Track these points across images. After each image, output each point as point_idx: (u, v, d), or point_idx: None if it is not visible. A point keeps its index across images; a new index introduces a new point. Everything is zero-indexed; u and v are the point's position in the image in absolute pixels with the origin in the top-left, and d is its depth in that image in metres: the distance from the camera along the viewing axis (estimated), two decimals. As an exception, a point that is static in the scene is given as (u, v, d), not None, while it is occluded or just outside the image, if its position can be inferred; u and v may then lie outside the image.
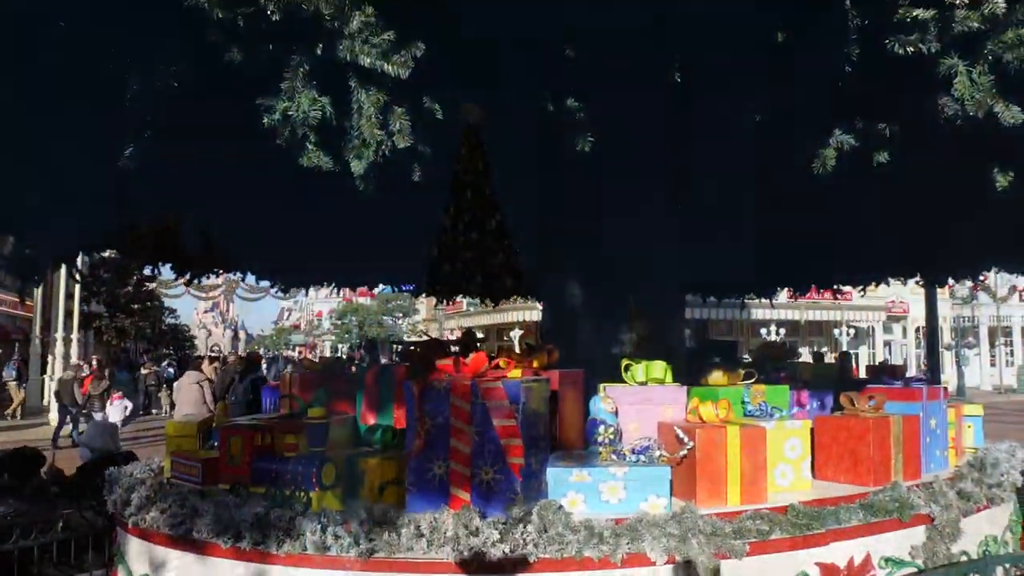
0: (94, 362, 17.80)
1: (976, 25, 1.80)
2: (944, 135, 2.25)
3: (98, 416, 14.03)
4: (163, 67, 1.98)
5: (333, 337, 44.18)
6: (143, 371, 22.29)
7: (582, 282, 3.93)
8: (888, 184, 2.87)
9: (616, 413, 2.82)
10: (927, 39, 1.83)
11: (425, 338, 3.93)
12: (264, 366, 17.01)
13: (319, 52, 1.90)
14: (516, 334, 25.87)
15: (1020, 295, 32.41)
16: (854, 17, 1.85)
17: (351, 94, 1.92)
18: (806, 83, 2.02)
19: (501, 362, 2.59)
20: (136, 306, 31.15)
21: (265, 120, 2.04)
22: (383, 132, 1.85)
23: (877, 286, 7.51)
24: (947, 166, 2.61)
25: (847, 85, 2.02)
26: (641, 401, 2.86)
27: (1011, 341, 34.00)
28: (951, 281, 8.97)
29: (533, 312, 22.01)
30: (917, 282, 8.39)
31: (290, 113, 2.01)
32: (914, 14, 1.82)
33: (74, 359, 19.94)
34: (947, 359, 29.40)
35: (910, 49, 1.84)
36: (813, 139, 2.13)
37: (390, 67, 1.77)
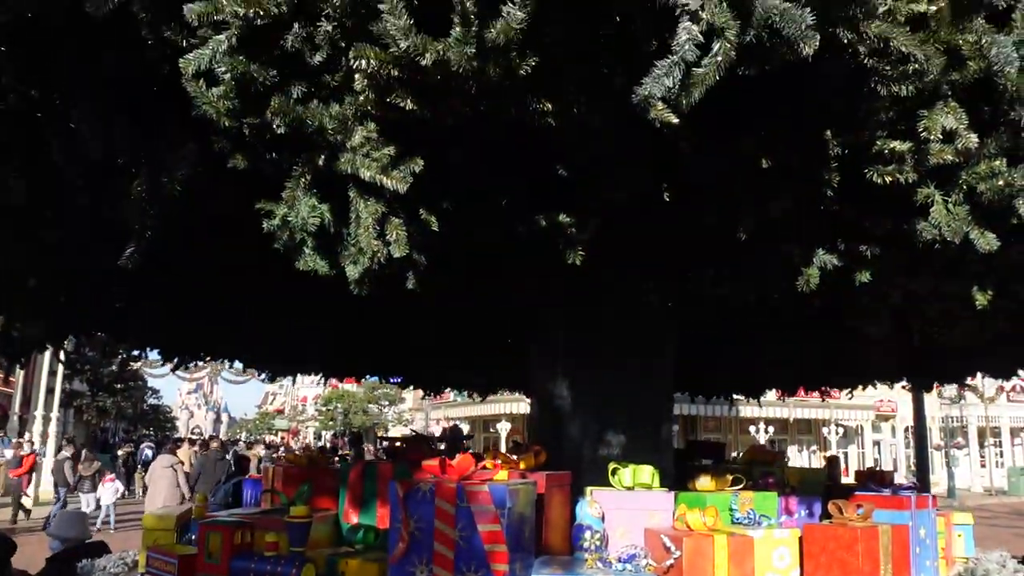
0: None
1: (950, 158, 1.89)
2: (924, 256, 2.33)
3: (90, 497, 13.82)
4: (169, 171, 2.03)
5: (317, 423, 43.61)
6: (119, 452, 21.95)
7: (572, 381, 3.95)
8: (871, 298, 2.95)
9: (602, 518, 2.80)
10: (904, 170, 1.92)
11: (410, 432, 3.91)
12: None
13: (321, 163, 1.97)
14: (503, 426, 25.61)
15: (1007, 395, 32.48)
16: (835, 146, 1.94)
17: (350, 203, 1.98)
18: (789, 205, 2.09)
19: (488, 463, 2.59)
20: (119, 385, 30.80)
21: (264, 225, 2.10)
22: (380, 242, 1.91)
23: (864, 389, 7.57)
24: (928, 284, 2.68)
25: (828, 208, 2.10)
26: (628, 507, 2.85)
27: (1000, 442, 33.88)
28: (937, 384, 9.09)
29: (520, 404, 21.86)
30: (903, 386, 8.49)
31: (289, 219, 2.07)
32: (891, 146, 1.91)
33: (52, 438, 19.64)
34: (937, 460, 29.21)
35: (888, 179, 1.93)
36: (797, 258, 2.21)
37: (389, 181, 1.83)
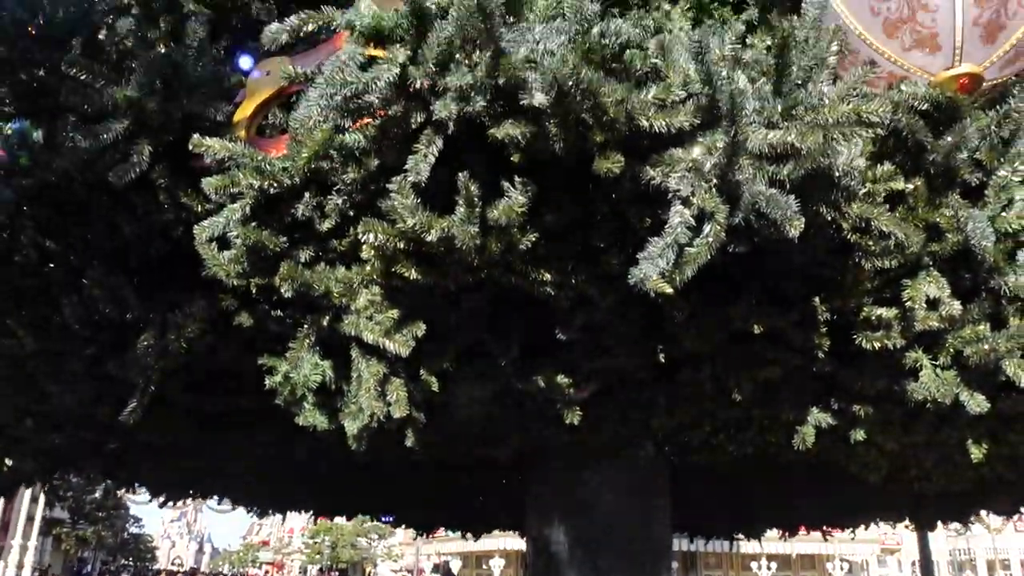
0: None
1: (936, 324, 1.96)
2: (917, 412, 2.37)
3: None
4: (176, 329, 2.09)
5: (303, 556, 42.09)
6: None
7: (567, 526, 3.88)
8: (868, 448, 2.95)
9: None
10: (892, 336, 1.98)
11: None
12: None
13: (325, 323, 2.03)
14: (496, 563, 24.78)
15: (1015, 526, 31.67)
16: (824, 312, 2.01)
17: (352, 362, 2.02)
18: (782, 370, 2.14)
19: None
20: (101, 514, 29.92)
21: (267, 381, 2.14)
22: (381, 403, 1.93)
23: (867, 528, 7.42)
24: (923, 437, 2.70)
25: (821, 370, 2.15)
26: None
27: (1010, 574, 32.75)
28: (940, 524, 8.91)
29: (515, 541, 21.25)
30: (906, 525, 8.33)
31: (291, 376, 2.10)
32: (878, 313, 1.98)
33: (27, 568, 18.95)
34: (946, 596, 28.17)
35: (877, 344, 1.98)
36: (791, 417, 2.25)
37: (392, 344, 1.88)
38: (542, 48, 1.49)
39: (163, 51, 2.42)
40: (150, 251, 2.23)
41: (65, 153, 2.03)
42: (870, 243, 1.81)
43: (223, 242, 1.96)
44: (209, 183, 1.80)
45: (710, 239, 1.54)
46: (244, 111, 2.19)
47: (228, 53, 2.45)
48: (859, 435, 2.35)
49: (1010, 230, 1.91)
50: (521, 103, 1.45)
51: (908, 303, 1.92)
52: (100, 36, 2.36)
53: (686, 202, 1.54)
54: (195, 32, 2.08)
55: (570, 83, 1.39)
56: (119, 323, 2.26)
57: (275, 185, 1.84)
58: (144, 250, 2.23)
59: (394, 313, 1.94)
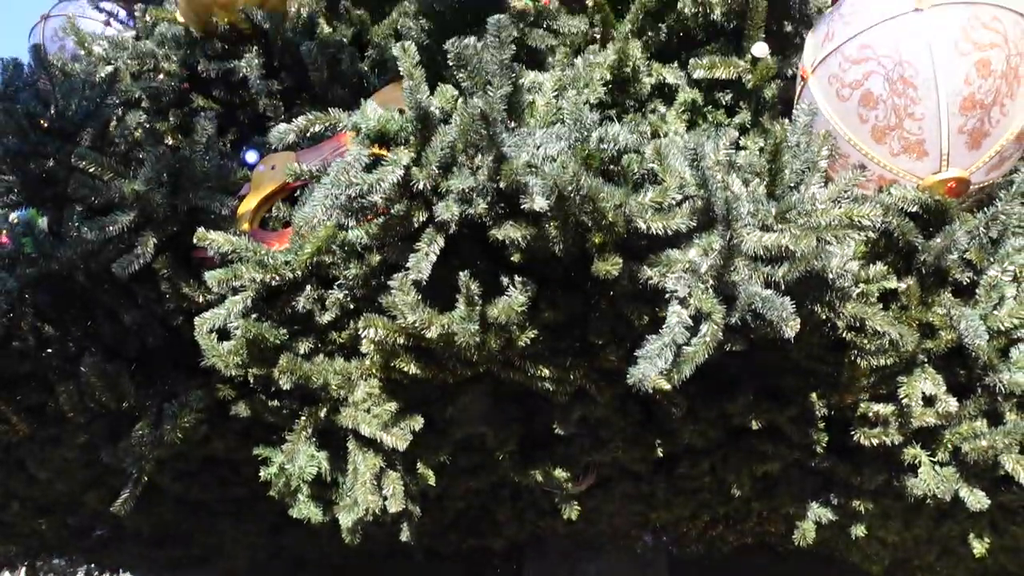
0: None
1: (933, 420, 1.96)
2: (917, 506, 2.35)
3: None
4: (172, 420, 2.08)
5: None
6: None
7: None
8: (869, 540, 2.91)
9: None
10: (889, 432, 1.98)
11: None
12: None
13: (322, 415, 2.02)
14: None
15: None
16: (821, 408, 2.02)
17: (349, 455, 2.01)
18: (781, 465, 2.14)
19: None
20: (81, 596, 28.91)
21: (262, 473, 2.12)
22: (377, 496, 1.92)
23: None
24: (925, 532, 2.67)
25: (820, 465, 2.14)
26: None
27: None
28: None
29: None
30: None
31: (286, 467, 2.09)
32: (875, 409, 1.98)
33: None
34: None
35: (875, 441, 1.99)
36: (791, 511, 2.23)
37: (389, 438, 1.88)
38: (543, 153, 1.53)
39: (171, 145, 2.49)
40: (148, 339, 2.23)
41: (70, 243, 2.06)
42: (865, 341, 1.82)
43: (223, 333, 1.97)
44: (212, 277, 1.82)
45: (707, 339, 1.55)
46: (248, 204, 2.24)
47: (234, 146, 2.51)
48: (859, 530, 2.33)
49: (1002, 328, 1.93)
50: (522, 206, 1.48)
51: (905, 400, 1.93)
52: (110, 128, 2.43)
53: (683, 302, 1.56)
54: (203, 129, 2.13)
55: (570, 188, 1.43)
56: (115, 411, 2.25)
57: (277, 279, 1.86)
58: (143, 338, 2.24)
59: (392, 406, 1.94)
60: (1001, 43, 1.80)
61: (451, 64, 1.58)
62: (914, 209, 1.89)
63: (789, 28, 2.21)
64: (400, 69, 1.64)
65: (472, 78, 1.56)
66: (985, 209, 1.96)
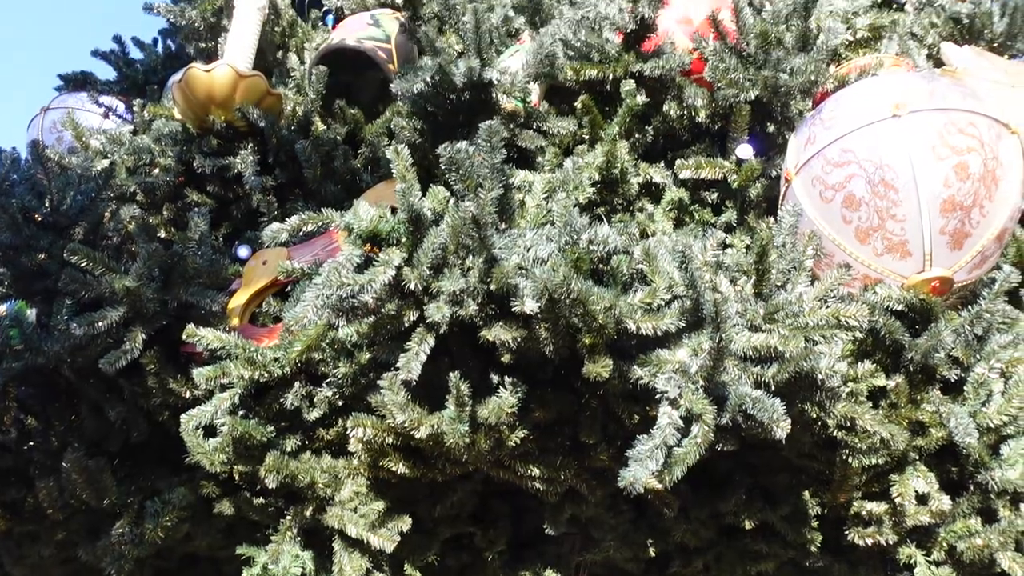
0: None
1: (927, 519, 1.94)
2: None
3: None
4: (155, 518, 2.03)
5: None
6: None
7: None
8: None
9: None
10: (883, 531, 1.96)
11: None
12: None
13: (308, 514, 1.99)
14: None
15: None
16: (814, 506, 1.99)
17: (334, 555, 1.97)
18: (773, 563, 2.10)
19: None
20: None
21: (245, 573, 2.06)
22: (363, 600, 1.87)
23: None
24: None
25: (814, 565, 2.11)
26: None
27: None
28: None
29: None
30: None
31: (270, 567, 2.03)
32: (868, 508, 1.96)
33: None
34: None
35: (869, 540, 1.96)
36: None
37: (376, 539, 1.84)
38: (533, 255, 1.55)
39: (164, 239, 2.51)
40: (133, 434, 2.20)
41: (58, 337, 2.05)
42: (856, 440, 1.82)
43: (209, 429, 1.95)
44: (200, 374, 1.81)
45: (698, 440, 1.54)
46: (238, 299, 2.24)
47: (227, 240, 2.53)
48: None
49: (991, 425, 1.93)
50: (513, 308, 1.49)
51: (897, 498, 1.92)
52: (104, 221, 2.45)
53: (674, 403, 1.56)
54: (197, 225, 2.15)
55: (560, 291, 1.44)
56: (95, 508, 2.20)
57: (266, 375, 1.85)
58: (127, 433, 2.21)
59: (379, 506, 1.91)
60: (977, 147, 1.86)
61: (443, 167, 1.61)
62: (900, 308, 1.91)
63: (772, 128, 2.27)
64: (393, 171, 1.67)
65: (464, 181, 1.59)
66: (969, 307, 1.99)
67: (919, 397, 1.94)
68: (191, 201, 2.62)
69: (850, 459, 1.84)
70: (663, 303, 1.62)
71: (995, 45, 3.46)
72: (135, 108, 3.20)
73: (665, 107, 2.28)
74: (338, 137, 2.48)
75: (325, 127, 2.57)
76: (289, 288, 2.22)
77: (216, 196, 2.62)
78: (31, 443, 2.37)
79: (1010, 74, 3.12)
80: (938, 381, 1.99)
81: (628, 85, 2.13)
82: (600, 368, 1.53)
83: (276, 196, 2.44)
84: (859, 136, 1.87)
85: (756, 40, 2.12)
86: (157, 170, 2.75)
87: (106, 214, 2.52)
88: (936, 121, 1.85)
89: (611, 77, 2.23)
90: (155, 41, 3.87)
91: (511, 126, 2.21)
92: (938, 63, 3.20)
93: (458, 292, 1.53)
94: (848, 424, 1.77)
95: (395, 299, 1.66)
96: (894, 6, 3.87)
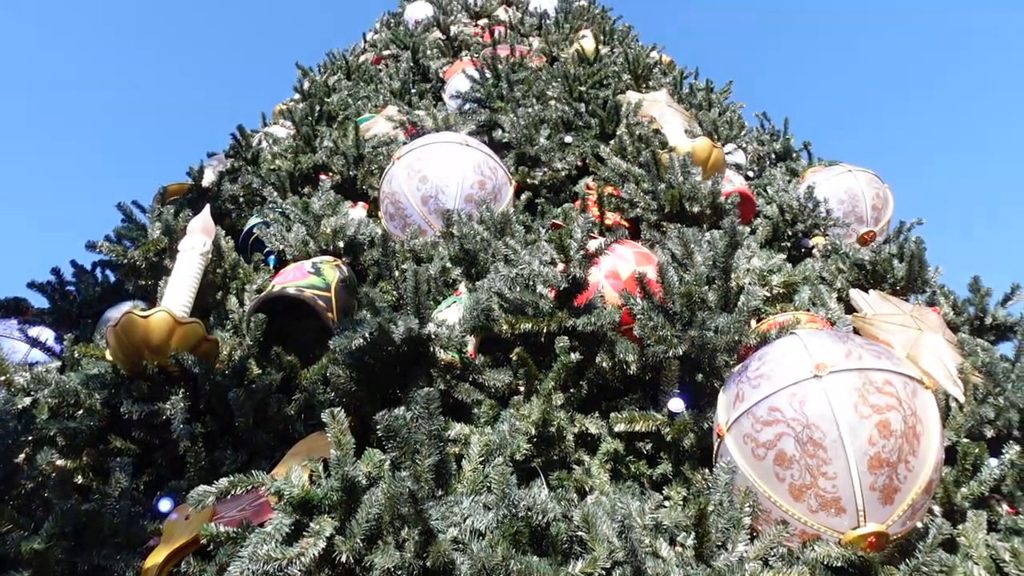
0: None
1: None
2: None
3: None
4: None
5: None
6: None
7: None
8: None
9: None
10: None
11: None
12: None
13: None
14: None
15: None
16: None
17: None
18: None
19: None
20: None
21: None
22: None
23: None
24: None
25: None
26: None
27: None
28: None
29: None
30: None
31: None
32: None
33: None
34: None
35: None
36: None
37: None
38: (470, 526, 1.51)
39: (81, 485, 2.39)
40: None
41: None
42: None
43: None
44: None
45: None
46: (156, 557, 2.10)
47: (148, 490, 2.42)
48: None
49: None
50: (450, 583, 1.43)
51: None
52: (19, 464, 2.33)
53: None
54: (118, 481, 2.06)
55: (499, 570, 1.39)
56: None
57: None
58: None
59: None
60: (896, 405, 1.94)
61: (380, 433, 1.60)
62: (839, 564, 1.90)
63: (700, 378, 2.34)
64: (328, 435, 1.65)
65: (400, 448, 1.58)
66: (907, 560, 1.99)
67: None
68: (114, 447, 2.51)
69: None
70: (603, 572, 1.58)
71: (898, 288, 3.75)
72: (66, 341, 3.14)
73: (598, 359, 2.35)
74: (273, 383, 2.46)
75: (261, 372, 2.55)
76: (211, 547, 2.10)
77: (141, 442, 2.52)
78: None
79: (915, 317, 3.35)
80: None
81: (562, 341, 2.20)
82: (541, 650, 1.46)
83: (205, 444, 2.36)
84: (785, 396, 1.94)
85: (681, 299, 2.24)
86: (81, 411, 2.66)
87: (22, 456, 2.40)
88: (854, 380, 1.94)
89: (545, 331, 2.30)
90: (94, 266, 3.85)
91: (447, 377, 2.23)
92: (848, 307, 3.43)
93: (392, 568, 1.47)
94: None
95: (325, 569, 1.58)
96: (803, 250, 4.20)
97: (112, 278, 3.86)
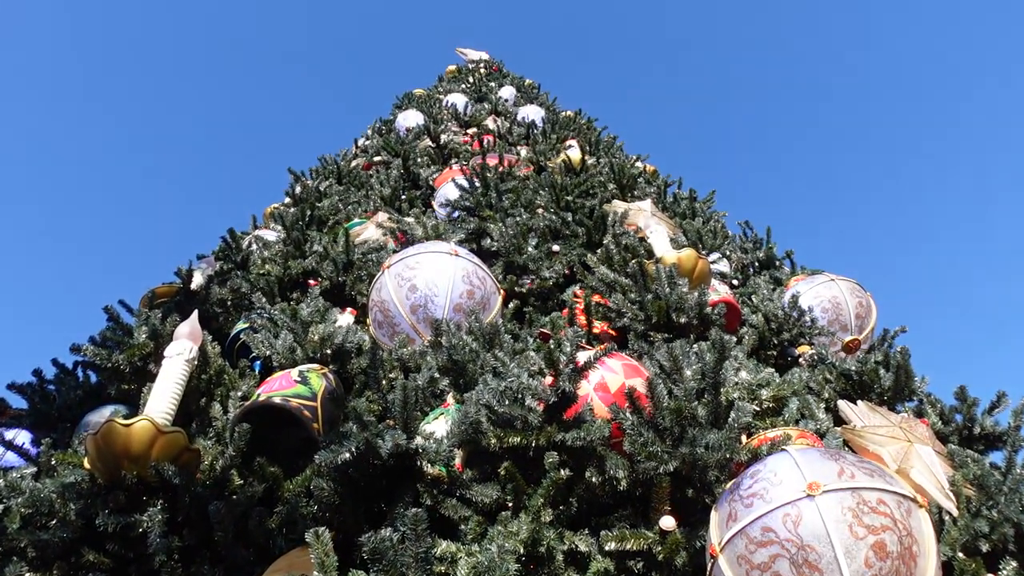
0: None
1: None
2: None
3: None
4: None
5: None
6: None
7: None
8: None
9: None
10: None
11: None
12: None
13: None
14: None
15: None
16: None
17: None
18: None
19: None
20: None
21: None
22: None
23: None
24: None
25: None
26: None
27: None
28: None
29: None
30: None
31: None
32: None
33: None
34: None
35: None
36: None
37: None
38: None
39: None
40: None
41: None
42: None
43: None
44: None
45: None
46: None
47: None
48: None
49: None
50: None
51: None
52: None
53: None
54: None
55: None
56: None
57: None
58: None
59: None
60: (891, 525, 1.91)
61: (365, 556, 1.56)
62: None
63: (691, 493, 2.30)
64: (311, 555, 1.61)
65: (387, 572, 1.53)
66: None
67: None
68: (87, 560, 2.42)
69: None
70: None
71: (885, 398, 3.75)
72: (43, 445, 3.07)
73: (588, 474, 2.31)
74: (255, 495, 2.39)
75: (243, 483, 2.49)
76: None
77: (115, 555, 2.43)
78: None
79: (904, 429, 3.34)
80: None
81: (552, 457, 2.17)
82: None
83: (181, 559, 2.29)
84: (778, 515, 1.91)
85: (671, 415, 2.23)
86: (55, 521, 2.57)
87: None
88: (848, 500, 1.92)
89: (534, 445, 2.27)
90: (75, 366, 3.79)
91: (434, 492, 2.19)
92: (837, 418, 3.42)
93: None
94: None
95: None
96: (789, 359, 4.22)
97: (94, 378, 3.81)
